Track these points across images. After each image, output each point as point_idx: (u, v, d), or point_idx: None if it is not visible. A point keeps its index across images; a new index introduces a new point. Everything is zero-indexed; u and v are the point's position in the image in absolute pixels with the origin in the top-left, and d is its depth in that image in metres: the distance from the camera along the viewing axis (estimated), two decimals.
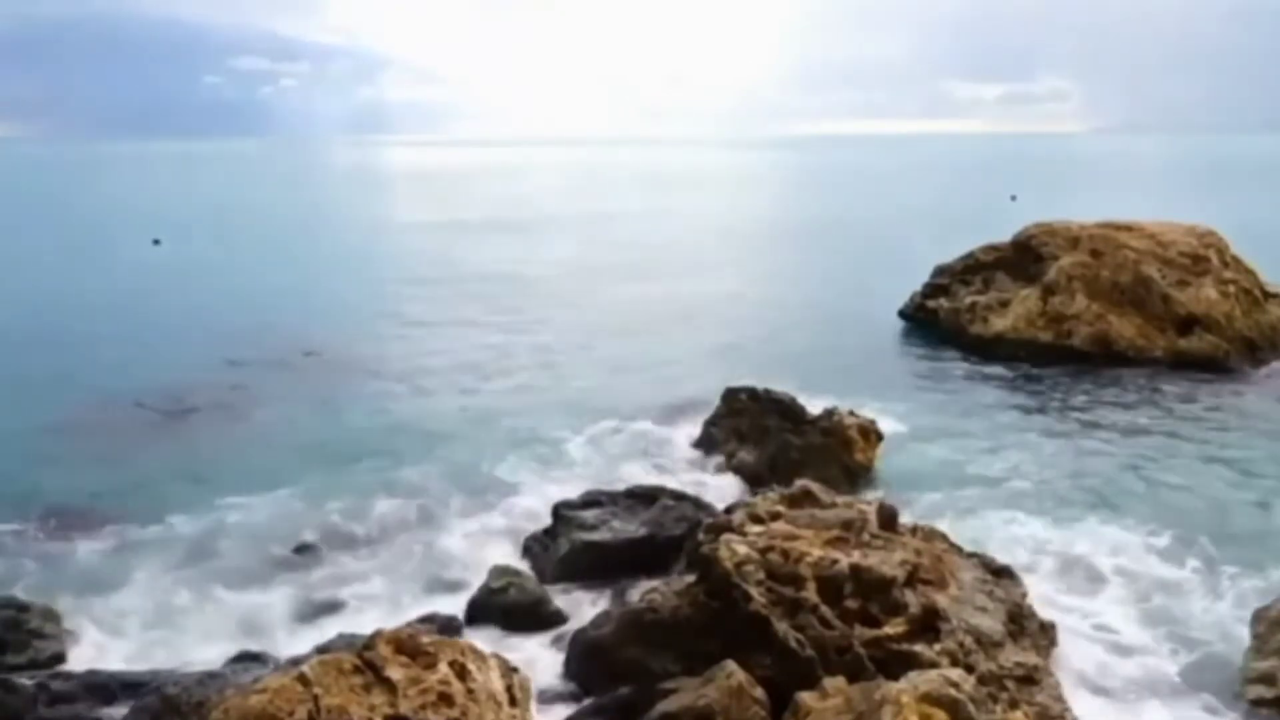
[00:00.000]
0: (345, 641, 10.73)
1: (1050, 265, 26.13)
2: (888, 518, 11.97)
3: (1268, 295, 25.53)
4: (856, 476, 16.65)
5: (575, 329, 30.17)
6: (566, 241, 53.83)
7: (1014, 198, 69.77)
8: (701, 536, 11.69)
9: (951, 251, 29.47)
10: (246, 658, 11.27)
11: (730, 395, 18.28)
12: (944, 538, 12.40)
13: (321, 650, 10.53)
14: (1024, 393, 22.37)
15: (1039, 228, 27.64)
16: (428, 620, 11.96)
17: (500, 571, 13.16)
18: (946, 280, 28.94)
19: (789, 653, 9.95)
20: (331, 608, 12.88)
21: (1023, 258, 27.38)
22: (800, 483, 13.01)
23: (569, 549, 13.86)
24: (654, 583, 11.96)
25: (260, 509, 15.86)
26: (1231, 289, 24.90)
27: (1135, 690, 10.90)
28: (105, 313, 33.05)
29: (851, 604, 10.40)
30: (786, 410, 17.58)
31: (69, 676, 10.97)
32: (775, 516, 11.96)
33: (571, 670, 11.15)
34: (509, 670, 9.13)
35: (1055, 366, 24.09)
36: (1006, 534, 14.69)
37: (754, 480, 16.29)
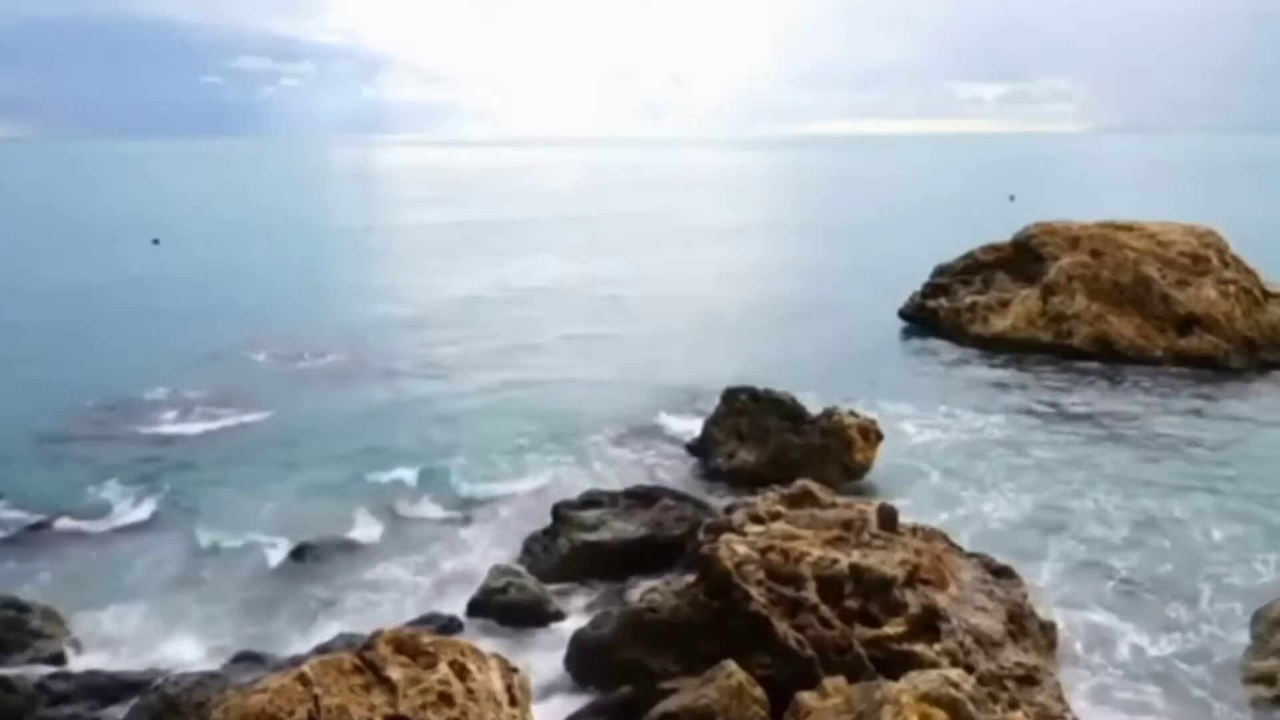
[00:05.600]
0: (345, 641, 10.74)
1: (1050, 265, 26.13)
2: (888, 518, 11.97)
3: (1268, 295, 25.51)
4: (856, 476, 16.67)
5: (574, 328, 30.16)
6: (566, 242, 53.79)
7: (1012, 198, 69.73)
8: (701, 536, 11.69)
9: (951, 251, 29.47)
10: (246, 658, 11.29)
11: (730, 395, 18.27)
12: (944, 538, 12.40)
13: (321, 650, 10.54)
14: (1024, 392, 22.36)
15: (1039, 228, 27.66)
16: (428, 620, 11.97)
17: (500, 571, 13.17)
18: (946, 280, 28.95)
19: (789, 653, 9.95)
20: (332, 608, 12.89)
21: (1023, 258, 27.40)
22: (800, 483, 13.01)
23: (569, 549, 13.87)
24: (654, 583, 11.95)
25: (260, 510, 15.88)
26: (1231, 289, 24.89)
27: (1135, 690, 10.91)
28: (104, 313, 33.03)
29: (851, 604, 10.40)
30: (786, 410, 17.57)
31: (69, 676, 11.00)
32: (775, 516, 11.96)
33: (571, 670, 11.14)
34: (509, 670, 9.11)
35: (1055, 366, 24.11)
36: (1007, 533, 14.70)
37: (754, 480, 16.28)
